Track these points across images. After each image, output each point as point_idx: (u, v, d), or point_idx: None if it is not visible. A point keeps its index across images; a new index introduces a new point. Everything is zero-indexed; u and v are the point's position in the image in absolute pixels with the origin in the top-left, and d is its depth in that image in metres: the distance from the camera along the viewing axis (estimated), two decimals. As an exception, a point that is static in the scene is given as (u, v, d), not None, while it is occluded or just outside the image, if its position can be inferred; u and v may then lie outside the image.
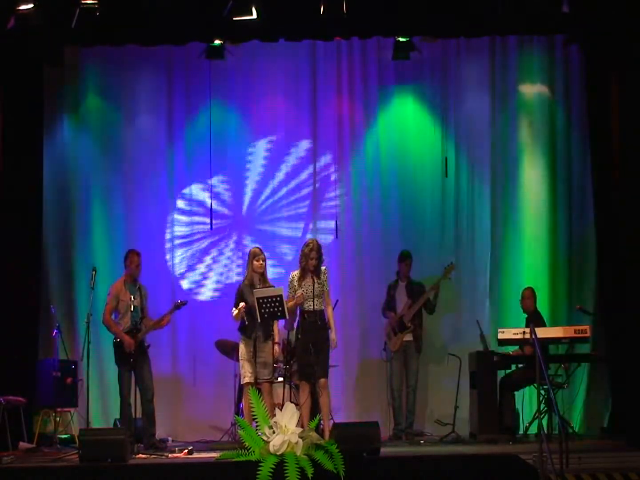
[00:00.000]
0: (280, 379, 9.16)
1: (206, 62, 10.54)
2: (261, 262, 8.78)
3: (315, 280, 8.56)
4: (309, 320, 8.54)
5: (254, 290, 8.51)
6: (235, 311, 8.68)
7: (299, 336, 8.59)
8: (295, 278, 8.66)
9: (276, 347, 8.74)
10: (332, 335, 8.58)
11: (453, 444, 9.33)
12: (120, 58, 10.76)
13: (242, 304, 8.61)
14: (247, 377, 8.56)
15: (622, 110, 9.49)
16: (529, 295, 9.91)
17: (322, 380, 8.49)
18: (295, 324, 8.81)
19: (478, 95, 10.96)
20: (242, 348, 8.67)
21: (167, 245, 10.86)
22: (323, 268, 8.67)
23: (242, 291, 8.77)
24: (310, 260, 8.57)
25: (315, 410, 8.60)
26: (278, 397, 8.89)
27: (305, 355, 8.45)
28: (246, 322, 8.63)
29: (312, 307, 8.55)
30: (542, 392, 8.46)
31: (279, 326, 8.96)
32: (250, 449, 7.06)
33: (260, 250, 8.85)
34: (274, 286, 8.68)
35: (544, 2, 9.22)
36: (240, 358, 8.68)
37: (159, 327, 9.36)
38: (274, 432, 7.02)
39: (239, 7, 9.16)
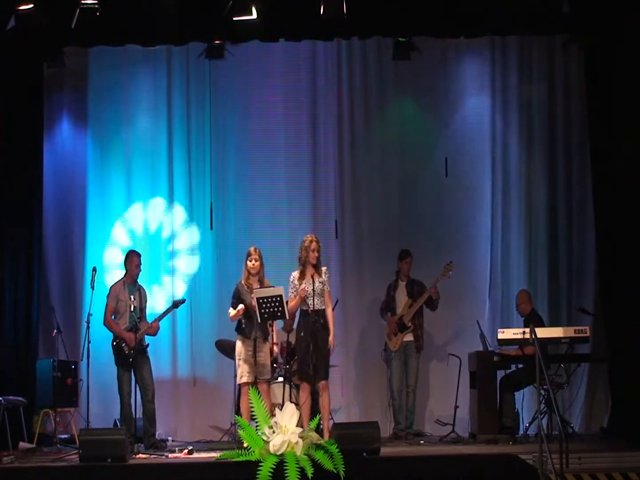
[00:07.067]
0: (280, 379, 9.15)
1: (206, 62, 10.55)
2: (254, 262, 8.64)
3: (316, 279, 8.52)
4: (310, 320, 8.47)
5: (254, 290, 8.46)
6: (232, 312, 8.62)
7: (301, 334, 8.52)
8: (296, 278, 8.60)
9: (274, 347, 8.67)
10: (330, 337, 8.55)
11: (453, 444, 9.31)
12: (120, 58, 10.76)
13: (241, 307, 8.54)
14: (244, 377, 8.52)
15: (622, 110, 9.48)
16: (524, 299, 9.88)
17: (323, 382, 8.48)
18: (296, 324, 8.75)
19: (478, 95, 10.97)
20: (238, 348, 8.63)
21: (168, 245, 10.86)
22: (324, 268, 8.65)
23: (238, 291, 8.68)
24: (312, 252, 8.52)
25: (315, 410, 8.59)
26: (278, 397, 8.89)
27: (306, 356, 8.42)
28: (243, 324, 8.59)
29: (312, 306, 8.49)
30: (542, 392, 8.45)
31: (275, 328, 8.90)
32: (250, 449, 7.06)
33: (255, 249, 8.71)
34: (272, 287, 8.57)
35: (544, 2, 9.23)
36: (237, 358, 8.65)
37: (151, 332, 9.32)
38: (274, 432, 7.02)
39: (239, 7, 9.17)
